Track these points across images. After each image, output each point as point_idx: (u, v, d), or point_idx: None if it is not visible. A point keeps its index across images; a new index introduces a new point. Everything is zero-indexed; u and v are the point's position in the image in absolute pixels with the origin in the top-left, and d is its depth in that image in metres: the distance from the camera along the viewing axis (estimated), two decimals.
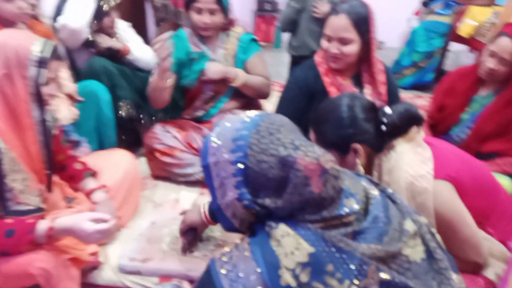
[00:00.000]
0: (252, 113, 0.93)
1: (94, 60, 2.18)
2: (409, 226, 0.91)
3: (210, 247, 1.55)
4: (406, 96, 3.43)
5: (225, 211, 0.89)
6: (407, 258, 0.86)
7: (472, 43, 3.36)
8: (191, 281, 1.47)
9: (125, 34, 2.39)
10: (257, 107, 2.26)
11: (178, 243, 1.58)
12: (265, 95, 2.18)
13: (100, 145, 2.12)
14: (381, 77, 1.81)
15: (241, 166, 0.84)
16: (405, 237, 0.88)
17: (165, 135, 2.10)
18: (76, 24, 2.06)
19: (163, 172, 2.11)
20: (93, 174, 1.65)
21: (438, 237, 0.95)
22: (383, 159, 1.21)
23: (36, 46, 1.29)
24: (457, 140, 1.94)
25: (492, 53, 1.78)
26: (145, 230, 1.68)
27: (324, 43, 1.74)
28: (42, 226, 1.25)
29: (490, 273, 1.21)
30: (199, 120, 2.18)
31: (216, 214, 0.93)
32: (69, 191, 1.60)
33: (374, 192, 0.95)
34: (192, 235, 1.55)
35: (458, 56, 4.56)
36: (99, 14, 2.19)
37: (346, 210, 0.85)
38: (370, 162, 1.23)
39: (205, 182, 0.91)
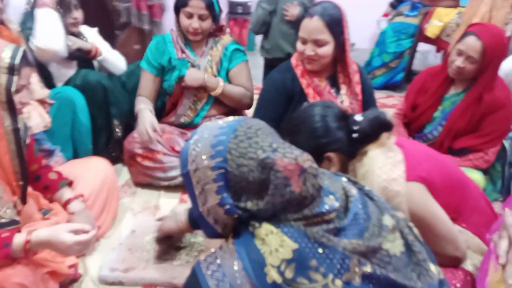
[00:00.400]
0: (229, 118, 0.94)
1: (88, 74, 2.13)
2: (388, 221, 0.94)
3: (193, 253, 1.53)
4: (378, 96, 3.48)
5: (206, 218, 0.90)
6: (387, 252, 0.89)
7: (439, 43, 3.48)
8: None
9: (92, 39, 2.34)
10: (241, 114, 2.26)
11: (155, 253, 1.55)
12: (245, 106, 2.19)
13: (75, 153, 2.06)
14: (356, 77, 1.86)
15: (221, 171, 0.85)
16: (385, 231, 0.91)
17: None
18: (57, 46, 2.02)
19: (145, 178, 2.06)
20: (69, 183, 1.60)
21: (415, 230, 0.99)
22: (357, 165, 1.24)
23: (5, 53, 1.24)
24: (431, 137, 2.00)
25: (460, 52, 1.84)
26: (125, 239, 1.64)
27: (299, 45, 1.76)
28: (18, 239, 1.20)
29: (468, 265, 1.26)
30: (183, 127, 2.17)
31: (198, 221, 0.93)
32: (44, 202, 1.55)
33: (353, 190, 0.98)
34: (167, 243, 1.53)
35: (426, 56, 4.72)
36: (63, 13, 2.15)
37: (327, 207, 0.88)
38: (344, 168, 1.26)
39: (186, 189, 0.92)
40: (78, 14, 2.21)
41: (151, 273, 1.47)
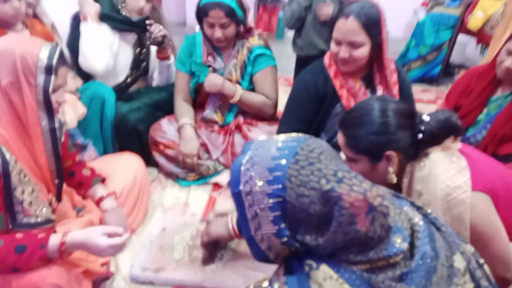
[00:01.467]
0: (289, 137, 0.85)
1: (126, 113, 2.07)
2: (459, 262, 0.84)
3: (225, 257, 1.52)
4: (413, 90, 3.37)
5: (259, 244, 0.83)
6: None
7: (481, 36, 3.30)
8: None
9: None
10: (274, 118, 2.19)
11: (191, 251, 1.55)
12: (266, 114, 2.12)
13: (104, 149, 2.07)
14: (393, 78, 1.77)
15: (279, 199, 0.77)
16: (456, 277, 0.82)
17: (169, 129, 2.06)
18: (98, 67, 1.99)
19: (166, 163, 2.07)
20: (102, 180, 1.61)
21: (487, 268, 0.89)
22: (416, 167, 1.15)
23: (43, 52, 1.23)
24: (473, 141, 1.89)
25: (510, 51, 1.72)
26: (155, 237, 1.64)
27: (333, 46, 1.68)
28: (54, 241, 1.21)
29: None
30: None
31: (248, 243, 0.86)
32: (78, 199, 1.57)
33: (418, 219, 0.88)
34: (214, 247, 1.51)
35: (464, 48, 4.51)
36: None
37: (394, 250, 0.78)
38: (401, 169, 1.18)
39: (236, 209, 0.85)
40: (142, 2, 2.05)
41: (181, 274, 1.47)
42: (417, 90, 3.40)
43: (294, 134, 0.88)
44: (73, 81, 2.05)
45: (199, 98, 2.17)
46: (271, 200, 0.77)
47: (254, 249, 0.85)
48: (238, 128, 2.10)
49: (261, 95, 2.06)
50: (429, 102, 3.22)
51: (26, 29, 1.95)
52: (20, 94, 1.22)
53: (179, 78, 2.12)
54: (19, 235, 1.22)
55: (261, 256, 0.85)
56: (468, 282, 0.83)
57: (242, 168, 0.81)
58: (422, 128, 1.14)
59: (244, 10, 1.97)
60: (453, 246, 0.87)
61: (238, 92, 2.02)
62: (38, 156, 1.31)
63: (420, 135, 1.14)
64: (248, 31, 2.06)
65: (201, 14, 1.92)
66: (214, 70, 2.04)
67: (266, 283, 0.81)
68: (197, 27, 2.09)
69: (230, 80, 2.06)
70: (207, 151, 2.06)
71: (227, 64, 2.05)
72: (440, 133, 1.13)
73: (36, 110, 1.25)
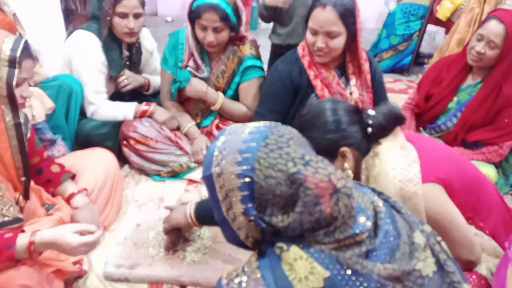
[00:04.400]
0: (260, 124, 0.88)
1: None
2: (419, 238, 0.89)
3: (200, 252, 1.51)
4: (385, 80, 3.42)
5: (231, 224, 0.85)
6: (419, 273, 0.84)
7: (449, 25, 3.36)
8: (182, 286, 1.44)
9: (151, 46, 2.25)
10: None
11: (164, 243, 1.53)
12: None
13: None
14: (366, 67, 1.79)
15: (247, 180, 0.80)
16: (417, 251, 0.86)
17: (142, 125, 2.02)
18: (101, 115, 2.03)
19: (137, 159, 2.02)
20: (72, 177, 1.57)
21: (444, 245, 0.94)
22: (369, 164, 1.19)
23: (6, 45, 1.18)
24: (444, 128, 1.95)
25: (481, 36, 1.77)
26: (130, 233, 1.61)
27: (309, 36, 1.68)
28: (22, 241, 1.16)
29: (482, 269, 1.23)
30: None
31: (220, 225, 0.88)
32: (47, 196, 1.51)
33: (379, 203, 0.92)
34: (176, 234, 1.51)
35: (433, 37, 4.61)
36: None
37: (360, 228, 0.82)
38: (357, 166, 1.22)
39: (208, 192, 0.87)
40: (131, 23, 1.92)
41: (157, 270, 1.45)
42: (388, 80, 3.45)
43: (267, 122, 0.90)
44: (42, 70, 1.98)
45: (180, 99, 2.14)
46: (240, 180, 0.80)
47: (226, 231, 0.88)
48: (218, 128, 2.11)
49: (243, 105, 2.06)
50: (400, 92, 3.27)
51: None
52: None
53: (165, 79, 2.08)
54: None
55: (233, 237, 0.87)
56: (429, 256, 0.88)
57: (215, 152, 0.84)
58: (370, 122, 1.19)
59: (239, 17, 1.91)
60: (413, 225, 0.92)
61: (220, 101, 2.01)
62: (2, 153, 1.26)
63: (370, 129, 1.19)
64: (240, 40, 2.01)
65: (194, 15, 1.84)
66: (195, 76, 2.00)
67: (239, 269, 0.84)
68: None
69: (215, 86, 2.03)
70: (180, 148, 2.04)
71: (215, 69, 2.01)
72: (387, 124, 1.19)
73: None
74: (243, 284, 0.80)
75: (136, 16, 1.93)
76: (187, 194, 1.83)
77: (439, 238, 0.94)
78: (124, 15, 1.90)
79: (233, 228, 0.85)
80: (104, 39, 1.96)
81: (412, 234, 0.90)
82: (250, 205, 0.80)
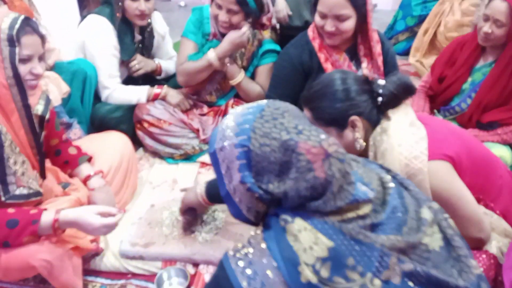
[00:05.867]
0: (260, 100, 0.92)
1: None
2: (426, 214, 0.90)
3: (213, 231, 1.54)
4: (400, 62, 3.37)
5: (233, 197, 0.88)
6: (426, 247, 0.85)
7: None
8: (195, 264, 1.48)
9: (163, 30, 2.25)
10: None
11: (179, 225, 1.57)
12: None
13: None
14: (377, 48, 1.76)
15: (244, 149, 0.84)
16: (424, 226, 0.87)
17: (155, 107, 2.05)
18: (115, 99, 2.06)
19: (151, 142, 2.05)
20: (89, 159, 1.61)
21: (451, 222, 0.94)
22: (377, 139, 1.19)
23: (4, 23, 1.19)
24: (458, 110, 1.92)
25: (486, 17, 1.76)
26: (144, 213, 1.66)
27: (318, 19, 1.66)
28: (47, 217, 1.21)
29: (492, 247, 1.23)
30: (209, 105, 2.18)
31: (225, 200, 0.92)
32: (63, 176, 1.56)
33: (388, 179, 0.93)
34: (192, 215, 1.54)
35: None
36: None
37: (361, 195, 0.84)
38: (366, 139, 1.22)
39: (213, 168, 0.91)
40: (142, 5, 1.92)
41: (170, 248, 1.49)
42: (404, 62, 3.39)
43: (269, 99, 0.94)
44: (56, 53, 2.02)
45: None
46: (237, 150, 0.84)
47: (230, 206, 0.91)
48: (226, 110, 2.12)
49: (258, 86, 2.05)
50: (415, 75, 3.22)
51: (4, 5, 1.89)
52: None
53: (186, 46, 2.02)
54: (11, 210, 1.22)
55: (237, 212, 0.90)
56: (436, 232, 0.89)
57: (218, 129, 0.89)
58: (380, 91, 1.19)
59: (260, 5, 1.87)
60: (421, 202, 0.93)
61: (241, 76, 1.99)
62: (17, 131, 1.30)
63: (380, 98, 1.19)
64: (261, 26, 1.99)
65: None
66: None
67: (245, 242, 0.86)
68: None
69: None
70: (193, 130, 2.06)
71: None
72: (397, 94, 1.19)
73: (7, 87, 1.22)
74: (250, 255, 0.82)
75: None
76: (203, 176, 1.86)
77: (446, 215, 0.95)
78: None
79: (235, 201, 0.88)
80: (117, 23, 1.98)
81: (419, 210, 0.90)
82: (247, 173, 0.84)
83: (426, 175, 1.13)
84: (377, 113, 1.20)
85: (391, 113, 1.21)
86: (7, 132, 1.24)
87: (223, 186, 0.90)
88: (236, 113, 0.89)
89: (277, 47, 2.04)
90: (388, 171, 1.00)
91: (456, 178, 1.17)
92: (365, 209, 0.84)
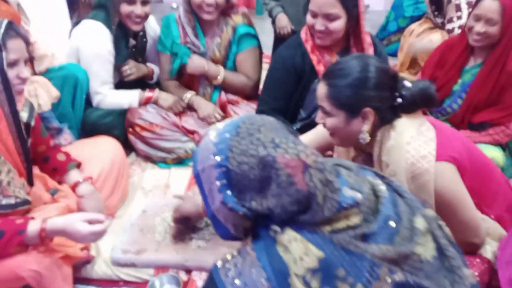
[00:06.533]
0: (236, 116, 0.91)
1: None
2: (420, 223, 0.89)
3: (206, 237, 1.52)
4: (392, 63, 3.38)
5: (218, 217, 0.88)
6: (418, 257, 0.84)
7: None
8: (188, 271, 1.46)
9: (154, 32, 2.24)
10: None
11: (172, 231, 1.55)
12: (248, 95, 2.14)
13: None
14: (370, 51, 1.77)
15: (223, 169, 0.83)
16: (417, 236, 0.86)
17: (147, 111, 2.04)
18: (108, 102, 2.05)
19: (143, 147, 2.05)
20: (77, 165, 1.59)
21: (447, 230, 0.93)
22: (385, 135, 1.17)
23: None
24: (450, 111, 1.93)
25: (477, 16, 1.76)
26: (136, 219, 1.63)
27: (309, 18, 1.67)
28: (33, 227, 1.19)
29: (487, 252, 1.23)
30: None
31: (212, 221, 0.91)
32: (52, 183, 1.54)
33: (382, 187, 0.92)
34: (185, 224, 1.52)
35: None
36: None
37: (348, 201, 0.83)
38: (373, 134, 1.20)
39: (199, 190, 0.90)
40: (139, 9, 1.93)
41: (163, 255, 1.47)
42: (396, 63, 3.39)
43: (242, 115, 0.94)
44: (50, 59, 2.00)
45: (182, 80, 2.16)
46: (216, 170, 0.84)
47: (217, 225, 0.90)
48: (223, 110, 2.11)
49: (243, 75, 2.07)
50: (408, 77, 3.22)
51: None
52: None
53: (163, 61, 2.11)
54: None
55: (224, 231, 0.90)
56: (430, 241, 0.88)
57: (199, 149, 0.89)
58: (403, 93, 1.16)
59: None
60: (415, 210, 0.92)
61: (221, 74, 2.03)
62: (4, 138, 1.28)
63: (400, 100, 1.16)
64: (231, 7, 2.03)
65: None
66: (194, 52, 2.03)
67: (235, 252, 0.86)
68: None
69: (213, 60, 2.05)
70: (185, 134, 2.05)
71: (210, 44, 2.04)
72: (418, 101, 1.16)
73: None
74: (239, 266, 0.82)
75: (143, 3, 1.93)
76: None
77: (441, 223, 0.94)
78: (132, 2, 1.90)
79: (221, 221, 0.88)
80: (113, 28, 1.96)
81: (413, 218, 0.89)
82: (228, 192, 0.83)
83: (432, 176, 1.12)
84: (392, 112, 1.18)
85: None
86: None
87: (208, 207, 0.89)
88: (214, 132, 0.89)
89: (252, 30, 2.07)
90: (382, 177, 0.99)
91: (460, 181, 1.17)
92: (355, 219, 0.83)
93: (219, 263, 0.84)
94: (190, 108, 2.13)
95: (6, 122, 1.26)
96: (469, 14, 1.82)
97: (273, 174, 0.81)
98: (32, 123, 1.39)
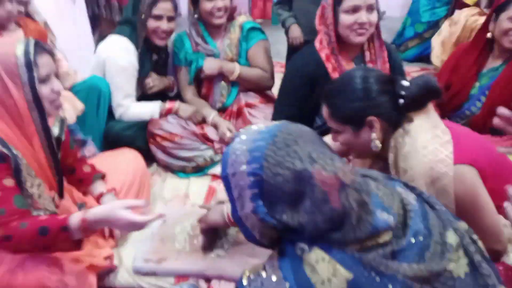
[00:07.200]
0: (272, 123, 0.89)
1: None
2: (452, 238, 0.85)
3: (225, 245, 1.54)
4: (411, 69, 3.36)
5: (245, 222, 0.87)
6: (451, 274, 0.81)
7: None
8: (207, 280, 1.48)
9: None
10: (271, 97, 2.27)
11: (192, 241, 1.58)
12: (265, 88, 2.21)
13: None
14: (384, 55, 1.78)
15: (257, 178, 0.81)
16: (448, 252, 0.83)
17: (167, 122, 2.08)
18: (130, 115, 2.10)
19: (163, 156, 2.09)
20: (102, 176, 1.64)
21: (480, 244, 0.90)
22: (399, 141, 1.16)
23: (19, 50, 1.22)
24: (468, 114, 1.89)
25: None
26: (157, 228, 1.67)
27: (347, 17, 1.66)
28: (74, 219, 1.20)
29: (510, 259, 1.20)
30: (218, 111, 2.23)
31: (238, 224, 0.90)
32: (78, 195, 1.59)
33: (411, 199, 0.89)
34: (212, 234, 1.54)
35: None
36: None
37: (381, 224, 0.80)
38: (386, 140, 1.19)
39: (226, 192, 0.89)
40: (165, 25, 1.99)
41: (183, 264, 1.49)
42: (414, 69, 3.38)
43: (278, 121, 0.91)
44: (74, 74, 2.08)
45: (203, 91, 2.24)
46: (250, 179, 0.82)
47: (243, 229, 0.89)
48: (240, 112, 2.16)
49: (258, 69, 2.14)
50: None
51: (19, 29, 1.96)
52: (10, 97, 1.23)
53: (181, 74, 2.20)
54: (42, 217, 1.23)
55: (250, 236, 0.89)
56: (462, 257, 0.84)
57: (230, 152, 0.86)
58: (403, 93, 1.15)
59: None
60: (446, 223, 0.88)
61: (237, 69, 2.11)
62: (37, 153, 1.33)
63: (401, 100, 1.15)
64: (234, 10, 2.13)
65: None
66: (208, 55, 2.12)
67: (262, 266, 0.84)
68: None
69: (226, 60, 2.14)
70: (205, 142, 2.08)
71: (221, 46, 2.13)
72: (420, 97, 1.15)
73: (28, 110, 1.26)
74: (265, 283, 0.80)
75: (169, 19, 2.00)
76: (223, 193, 1.84)
77: (475, 237, 0.91)
78: (159, 18, 1.97)
79: (248, 227, 0.87)
80: (140, 43, 2.03)
81: (444, 233, 0.86)
82: (260, 203, 0.81)
83: (451, 180, 1.09)
84: (397, 114, 1.17)
85: (414, 114, 1.17)
86: (23, 156, 1.27)
87: (235, 210, 0.88)
88: (248, 137, 0.86)
89: (257, 25, 2.16)
90: (412, 189, 0.96)
91: (481, 184, 1.14)
92: (386, 237, 0.80)
93: (244, 281, 0.82)
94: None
95: (38, 138, 1.31)
96: (490, 15, 1.79)
97: (308, 189, 0.78)
98: (63, 137, 1.44)
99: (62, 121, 1.47)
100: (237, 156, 0.84)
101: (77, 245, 1.24)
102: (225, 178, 0.87)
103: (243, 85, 2.17)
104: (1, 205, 1.17)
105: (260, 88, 2.21)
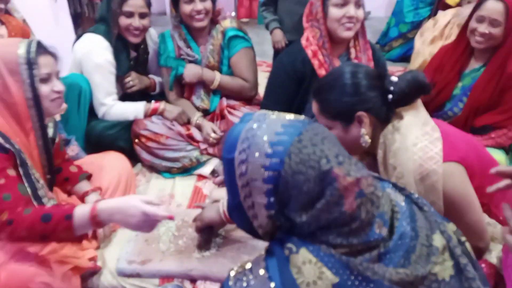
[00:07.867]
0: (293, 117, 0.85)
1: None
2: (438, 241, 0.85)
3: (212, 248, 1.53)
4: (395, 69, 3.40)
5: (247, 210, 0.83)
6: (435, 277, 0.80)
7: None
8: (192, 280, 1.47)
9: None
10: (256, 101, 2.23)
11: (176, 241, 1.57)
12: (246, 98, 2.17)
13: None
14: (368, 54, 1.80)
15: (274, 173, 0.77)
16: (434, 255, 0.82)
17: (152, 122, 2.06)
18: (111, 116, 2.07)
19: (148, 156, 2.06)
20: (88, 177, 1.63)
21: (467, 246, 0.90)
22: (389, 138, 1.17)
23: (21, 49, 1.25)
24: (451, 114, 1.92)
25: (481, 18, 1.76)
26: None
27: (337, 11, 1.67)
28: (82, 210, 1.17)
29: (493, 257, 1.22)
30: (205, 114, 2.20)
31: (232, 210, 0.87)
32: (63, 197, 1.58)
33: (400, 201, 0.89)
34: (208, 233, 1.53)
35: None
36: None
37: (375, 236, 0.79)
38: (376, 135, 1.20)
39: (224, 174, 0.85)
40: (137, 22, 1.97)
41: (167, 265, 1.48)
42: (398, 69, 3.41)
43: (300, 116, 0.87)
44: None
45: (185, 95, 2.22)
46: (267, 173, 0.77)
47: (239, 217, 0.86)
48: (221, 114, 2.14)
49: (239, 78, 2.10)
50: None
51: (2, 25, 1.94)
52: (10, 94, 1.24)
53: (165, 74, 2.17)
54: (48, 206, 1.24)
55: (244, 224, 0.86)
56: (448, 259, 0.84)
57: (242, 135, 0.81)
58: (391, 88, 1.16)
59: None
60: (434, 225, 0.88)
61: (217, 78, 2.07)
62: (32, 150, 1.33)
63: (390, 96, 1.16)
64: (218, 13, 2.09)
65: None
66: (190, 62, 2.08)
67: (249, 265, 0.83)
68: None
69: (208, 66, 2.10)
70: (190, 143, 2.07)
71: (204, 52, 2.10)
72: (409, 92, 1.15)
73: (26, 107, 1.27)
74: (251, 283, 0.79)
75: (142, 15, 1.97)
76: (218, 191, 1.83)
77: (463, 239, 0.90)
78: (130, 14, 1.94)
79: (248, 215, 0.84)
80: (113, 40, 2.00)
81: (431, 235, 0.86)
82: (272, 199, 0.79)
83: (440, 177, 1.10)
84: (387, 110, 1.18)
85: (403, 111, 1.18)
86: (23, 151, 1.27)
87: (234, 195, 0.83)
88: (269, 126, 0.80)
89: (240, 33, 2.10)
90: (401, 189, 0.96)
91: (468, 182, 1.16)
92: (375, 243, 0.80)
93: (230, 281, 0.81)
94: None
95: (34, 136, 1.32)
96: (471, 15, 1.82)
97: (327, 191, 0.76)
98: (57, 138, 1.46)
99: (56, 123, 1.49)
100: (252, 144, 0.79)
101: (79, 238, 1.24)
102: (229, 161, 0.82)
103: (224, 92, 2.15)
104: (6, 191, 1.18)
105: (241, 98, 2.16)
